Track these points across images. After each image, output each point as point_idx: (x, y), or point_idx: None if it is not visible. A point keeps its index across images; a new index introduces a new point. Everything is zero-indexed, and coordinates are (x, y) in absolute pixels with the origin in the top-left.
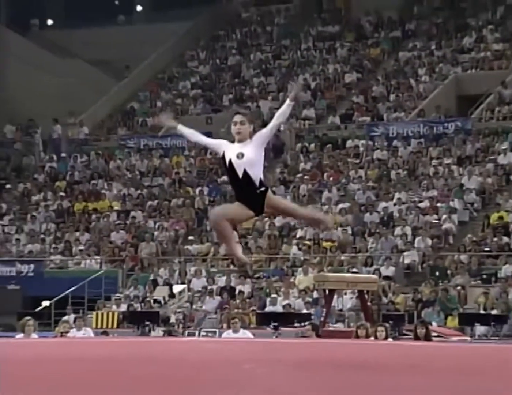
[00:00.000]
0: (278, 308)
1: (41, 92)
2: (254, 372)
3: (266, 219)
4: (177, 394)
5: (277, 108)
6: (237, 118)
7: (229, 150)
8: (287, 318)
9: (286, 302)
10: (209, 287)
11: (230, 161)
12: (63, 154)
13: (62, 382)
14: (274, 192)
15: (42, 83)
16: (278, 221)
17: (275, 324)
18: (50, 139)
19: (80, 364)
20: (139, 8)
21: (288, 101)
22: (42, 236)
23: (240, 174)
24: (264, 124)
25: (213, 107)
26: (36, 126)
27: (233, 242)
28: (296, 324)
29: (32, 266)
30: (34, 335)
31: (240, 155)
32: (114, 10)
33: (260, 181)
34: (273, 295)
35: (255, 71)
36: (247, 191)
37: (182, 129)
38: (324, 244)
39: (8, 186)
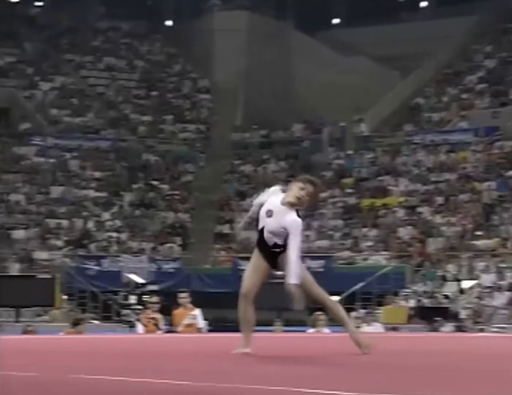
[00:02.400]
0: None
1: (327, 90)
2: None
3: None
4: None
5: None
6: (308, 186)
7: (271, 199)
8: None
9: None
10: (498, 283)
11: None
12: (349, 151)
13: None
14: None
15: (328, 81)
16: None
17: None
18: (337, 136)
19: (378, 357)
20: (423, 4)
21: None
22: (330, 232)
23: (260, 226)
24: None
25: (500, 101)
26: (323, 124)
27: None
28: None
29: (322, 261)
30: (326, 330)
31: (269, 213)
32: (398, 7)
33: (275, 245)
34: None
35: None
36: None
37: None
38: None
39: None
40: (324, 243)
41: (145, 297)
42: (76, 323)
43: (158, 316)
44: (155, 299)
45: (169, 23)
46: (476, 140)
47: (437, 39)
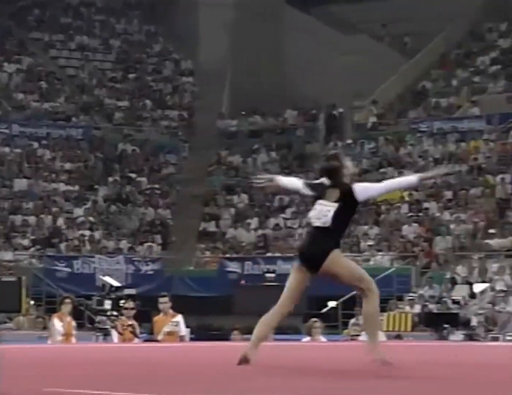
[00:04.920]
0: None
1: (323, 72)
2: None
3: None
4: None
5: None
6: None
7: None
8: None
9: None
10: None
11: None
12: (348, 141)
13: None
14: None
15: (325, 62)
16: None
17: None
18: (335, 123)
19: (363, 366)
20: None
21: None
22: None
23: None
24: None
25: None
26: (319, 110)
27: None
28: None
29: None
30: (322, 338)
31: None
32: None
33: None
34: None
35: None
36: None
37: (280, 180)
38: None
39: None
40: None
41: (121, 302)
42: None
43: (135, 323)
44: (130, 304)
45: None
46: (489, 128)
47: (444, 16)
